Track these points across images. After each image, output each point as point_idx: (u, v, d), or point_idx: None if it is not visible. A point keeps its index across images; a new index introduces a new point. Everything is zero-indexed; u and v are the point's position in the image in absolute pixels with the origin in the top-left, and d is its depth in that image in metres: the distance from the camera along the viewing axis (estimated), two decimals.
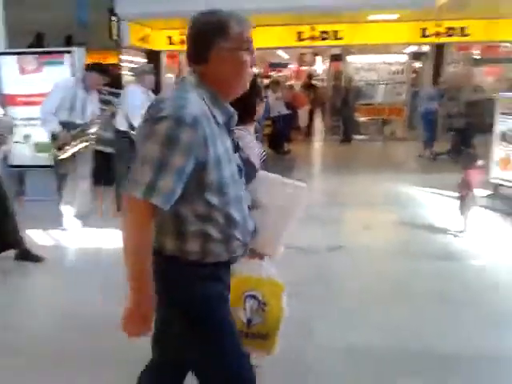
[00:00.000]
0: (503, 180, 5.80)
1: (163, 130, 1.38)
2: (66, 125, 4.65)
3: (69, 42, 9.62)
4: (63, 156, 4.69)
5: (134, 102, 5.07)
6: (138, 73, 5.43)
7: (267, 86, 11.59)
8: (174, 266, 1.55)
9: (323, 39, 11.02)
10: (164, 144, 1.38)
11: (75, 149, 4.69)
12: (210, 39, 1.49)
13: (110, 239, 4.74)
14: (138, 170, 1.40)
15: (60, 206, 4.94)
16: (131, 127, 5.19)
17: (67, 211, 4.94)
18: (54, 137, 4.67)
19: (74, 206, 4.94)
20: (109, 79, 5.15)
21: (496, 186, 5.91)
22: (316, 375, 2.59)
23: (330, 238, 4.77)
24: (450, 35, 10.83)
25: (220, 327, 1.61)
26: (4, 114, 4.13)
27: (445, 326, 3.10)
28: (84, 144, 4.75)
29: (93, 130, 4.79)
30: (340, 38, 10.98)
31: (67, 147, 4.65)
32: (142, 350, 1.82)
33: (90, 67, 4.92)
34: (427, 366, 2.68)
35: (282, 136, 10.32)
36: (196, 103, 1.45)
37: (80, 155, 4.79)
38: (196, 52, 1.53)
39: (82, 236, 4.89)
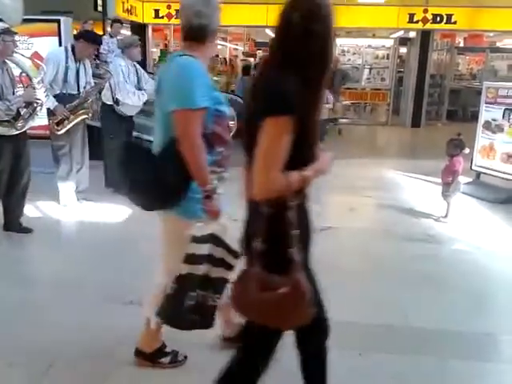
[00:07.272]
0: (485, 168, 5.95)
1: None
2: (62, 98, 4.51)
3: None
4: (62, 131, 4.57)
5: (119, 76, 4.98)
6: (123, 45, 5.21)
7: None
8: None
9: None
10: None
11: (74, 123, 4.59)
12: None
13: (102, 213, 4.75)
14: None
15: (57, 180, 4.78)
16: (116, 101, 5.09)
17: (63, 185, 4.79)
18: (51, 112, 4.52)
19: (70, 180, 4.80)
20: (98, 48, 5.00)
21: (478, 174, 6.06)
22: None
23: (317, 219, 4.83)
24: (436, 22, 10.90)
25: None
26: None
27: (424, 303, 3.25)
28: (83, 116, 4.67)
29: (89, 102, 4.68)
30: None
31: (66, 122, 4.54)
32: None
33: (79, 35, 4.73)
34: (406, 341, 2.81)
35: None
36: None
37: (75, 128, 4.67)
38: None
39: (77, 210, 4.81)
